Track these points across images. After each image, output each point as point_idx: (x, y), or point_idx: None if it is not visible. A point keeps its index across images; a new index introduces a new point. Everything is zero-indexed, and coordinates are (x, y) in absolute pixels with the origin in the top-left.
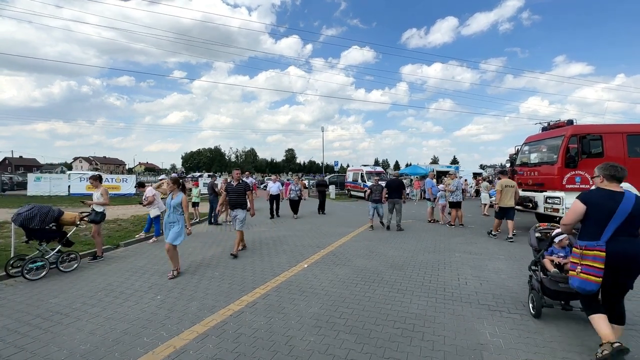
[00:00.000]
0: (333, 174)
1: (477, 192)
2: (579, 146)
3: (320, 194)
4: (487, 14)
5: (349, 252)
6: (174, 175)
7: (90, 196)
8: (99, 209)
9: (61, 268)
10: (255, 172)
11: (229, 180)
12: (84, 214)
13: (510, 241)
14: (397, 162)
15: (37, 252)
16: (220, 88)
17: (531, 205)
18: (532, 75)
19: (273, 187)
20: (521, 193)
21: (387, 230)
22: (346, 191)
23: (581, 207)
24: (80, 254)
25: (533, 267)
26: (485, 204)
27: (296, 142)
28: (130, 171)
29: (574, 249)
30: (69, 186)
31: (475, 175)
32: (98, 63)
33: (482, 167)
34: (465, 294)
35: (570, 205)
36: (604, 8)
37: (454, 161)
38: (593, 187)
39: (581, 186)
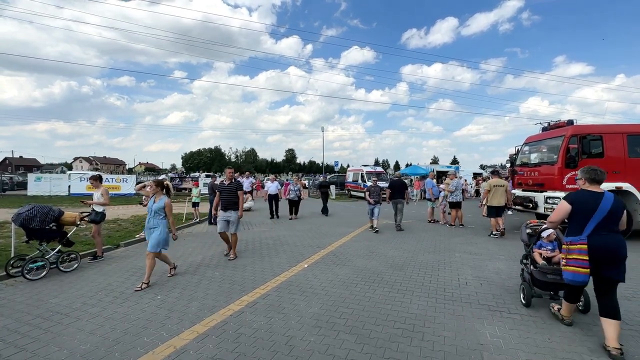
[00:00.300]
0: (333, 174)
1: (477, 192)
2: (579, 146)
3: (323, 195)
4: (487, 15)
5: (349, 252)
6: (163, 177)
7: (90, 196)
8: (99, 209)
9: (61, 268)
10: (256, 173)
11: (221, 180)
12: (84, 214)
13: (495, 237)
14: (397, 162)
15: (38, 252)
16: (220, 88)
17: (531, 206)
18: (532, 75)
19: (271, 186)
20: (521, 193)
21: (387, 231)
22: (346, 191)
23: (567, 207)
24: (80, 254)
25: (524, 261)
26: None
27: (296, 142)
28: (130, 171)
29: (563, 245)
30: (69, 186)
31: (475, 175)
32: (98, 63)
33: (482, 167)
34: (466, 294)
35: None
36: (604, 8)
37: (454, 161)
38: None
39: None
